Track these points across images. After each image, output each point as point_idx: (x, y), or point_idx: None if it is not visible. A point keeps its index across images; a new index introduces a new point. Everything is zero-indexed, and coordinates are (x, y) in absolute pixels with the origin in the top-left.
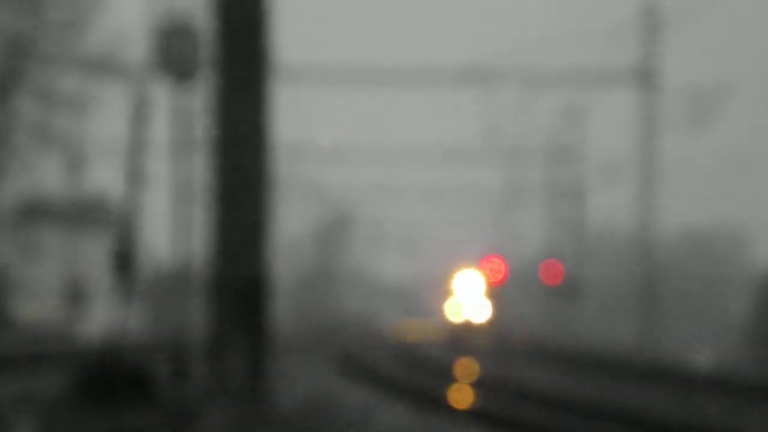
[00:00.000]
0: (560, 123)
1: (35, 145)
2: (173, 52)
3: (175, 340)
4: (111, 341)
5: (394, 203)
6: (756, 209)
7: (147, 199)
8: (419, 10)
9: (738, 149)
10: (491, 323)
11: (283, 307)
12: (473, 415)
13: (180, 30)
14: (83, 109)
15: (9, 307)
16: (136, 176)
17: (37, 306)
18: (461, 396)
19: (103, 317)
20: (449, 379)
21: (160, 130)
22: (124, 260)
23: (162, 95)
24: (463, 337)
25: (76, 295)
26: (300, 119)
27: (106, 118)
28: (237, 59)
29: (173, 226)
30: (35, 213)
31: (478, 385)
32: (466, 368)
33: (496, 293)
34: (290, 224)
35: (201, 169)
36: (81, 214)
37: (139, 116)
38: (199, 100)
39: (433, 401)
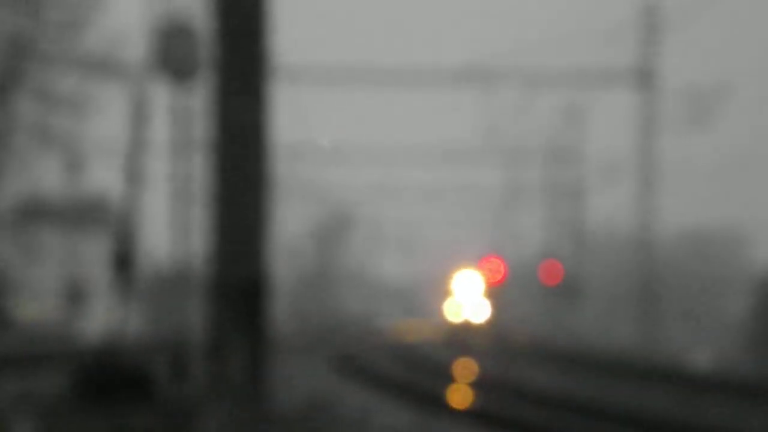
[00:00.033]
0: (560, 123)
1: (34, 145)
2: (172, 52)
3: (174, 341)
4: (110, 341)
5: (394, 203)
6: (755, 209)
7: (146, 200)
8: (419, 10)
9: (738, 149)
10: (490, 323)
11: (283, 308)
12: (472, 415)
13: (179, 30)
14: (82, 109)
15: (8, 307)
16: (135, 176)
17: (37, 306)
18: (460, 396)
19: (103, 317)
20: (448, 379)
21: (159, 130)
22: (123, 260)
23: (161, 95)
24: (462, 337)
25: (75, 295)
26: (300, 119)
27: (106, 118)
28: (236, 59)
29: (172, 226)
30: (34, 213)
31: (478, 385)
32: (466, 368)
33: (495, 293)
34: (290, 224)
35: (200, 169)
36: (80, 214)
37: (139, 116)
38: (198, 100)
39: (433, 401)
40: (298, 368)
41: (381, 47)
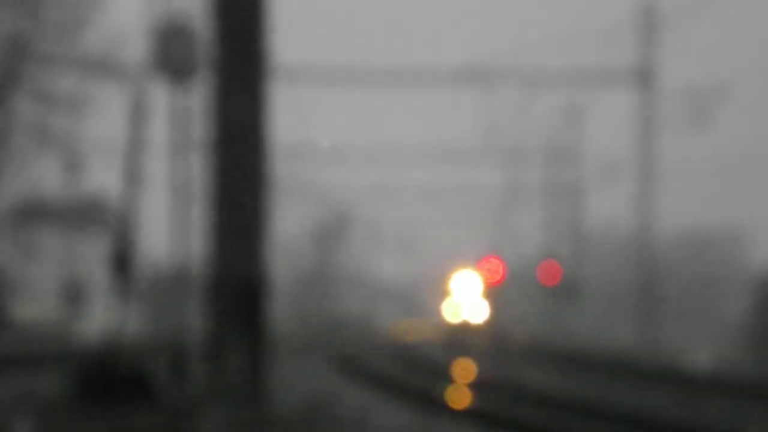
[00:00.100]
0: (560, 123)
1: (33, 146)
2: (171, 53)
3: (173, 341)
4: (110, 341)
5: (394, 203)
6: (755, 209)
7: (145, 200)
8: (419, 10)
9: (737, 149)
10: (489, 324)
11: (282, 308)
12: (471, 415)
13: (178, 30)
14: (81, 109)
15: (8, 307)
16: (134, 176)
17: (36, 306)
18: (459, 396)
19: (102, 317)
20: (447, 379)
21: (158, 130)
22: (122, 260)
23: (160, 95)
24: (461, 338)
25: (74, 295)
26: (299, 119)
27: (105, 119)
28: (235, 59)
29: (171, 227)
30: (33, 213)
31: (476, 385)
32: (464, 368)
33: (494, 293)
34: (289, 225)
35: (199, 169)
36: (79, 214)
37: (138, 116)
38: (197, 101)
39: (432, 401)
40: (298, 368)
41: (381, 47)
